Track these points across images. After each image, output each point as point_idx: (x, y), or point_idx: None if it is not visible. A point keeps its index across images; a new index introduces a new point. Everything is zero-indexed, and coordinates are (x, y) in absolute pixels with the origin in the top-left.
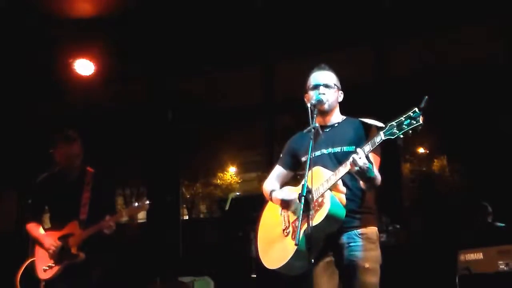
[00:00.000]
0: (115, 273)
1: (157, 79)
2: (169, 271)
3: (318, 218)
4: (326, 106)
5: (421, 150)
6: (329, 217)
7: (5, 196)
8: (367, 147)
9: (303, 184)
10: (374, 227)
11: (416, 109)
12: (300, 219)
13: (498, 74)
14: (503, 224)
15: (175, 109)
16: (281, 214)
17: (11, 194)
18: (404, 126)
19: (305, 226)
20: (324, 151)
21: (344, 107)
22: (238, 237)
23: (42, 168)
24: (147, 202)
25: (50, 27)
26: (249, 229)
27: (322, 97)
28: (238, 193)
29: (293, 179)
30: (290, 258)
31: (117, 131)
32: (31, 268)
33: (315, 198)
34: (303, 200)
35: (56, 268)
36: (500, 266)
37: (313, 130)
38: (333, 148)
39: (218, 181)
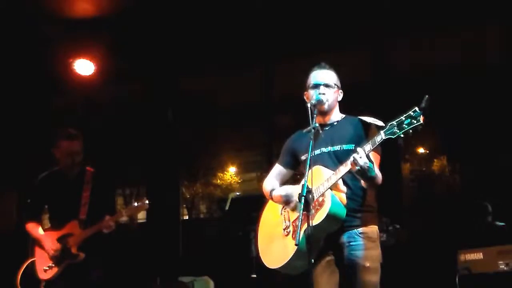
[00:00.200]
0: (115, 273)
1: (157, 79)
2: (169, 271)
3: (318, 217)
4: (325, 107)
5: (421, 150)
6: (329, 217)
7: (5, 196)
8: (368, 147)
9: (303, 184)
10: (374, 226)
11: (417, 109)
12: (301, 219)
13: (498, 74)
14: (503, 224)
15: (175, 109)
16: (281, 213)
17: (11, 194)
18: (404, 125)
19: (306, 225)
20: (324, 149)
21: (343, 106)
22: (238, 237)
23: (42, 167)
24: (147, 202)
25: (50, 27)
26: (249, 229)
27: (322, 97)
28: (238, 193)
29: (293, 179)
30: (291, 258)
31: (117, 131)
32: (31, 268)
33: (315, 198)
34: (303, 200)
35: (56, 269)
36: (500, 266)
37: (313, 130)
38: (332, 146)
39: (218, 181)
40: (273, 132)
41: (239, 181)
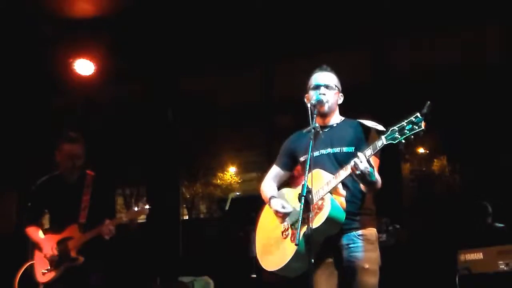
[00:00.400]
0: (115, 274)
1: (157, 79)
2: (169, 271)
3: (318, 221)
4: (325, 108)
5: (421, 150)
6: (329, 220)
7: (5, 196)
8: (369, 151)
9: (303, 184)
10: (373, 229)
11: (418, 114)
12: (300, 220)
13: (498, 74)
14: (503, 225)
15: (175, 109)
16: None
17: (11, 194)
18: (406, 131)
19: (305, 227)
20: (323, 151)
21: (343, 108)
22: (238, 237)
23: (42, 168)
24: (147, 206)
25: (50, 27)
26: (249, 229)
27: (322, 97)
28: (238, 193)
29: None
30: (289, 260)
31: (117, 131)
32: (30, 270)
33: (315, 201)
34: (303, 200)
35: (54, 272)
36: (500, 266)
37: (313, 130)
38: (332, 148)
39: (218, 181)
40: (273, 132)
41: (239, 181)
